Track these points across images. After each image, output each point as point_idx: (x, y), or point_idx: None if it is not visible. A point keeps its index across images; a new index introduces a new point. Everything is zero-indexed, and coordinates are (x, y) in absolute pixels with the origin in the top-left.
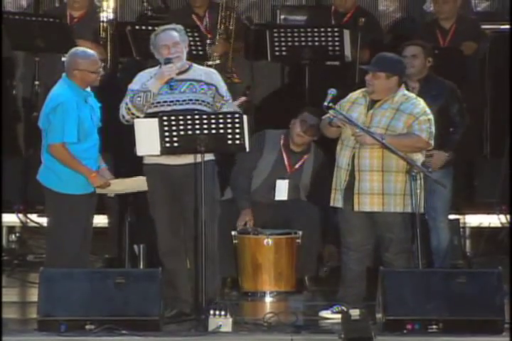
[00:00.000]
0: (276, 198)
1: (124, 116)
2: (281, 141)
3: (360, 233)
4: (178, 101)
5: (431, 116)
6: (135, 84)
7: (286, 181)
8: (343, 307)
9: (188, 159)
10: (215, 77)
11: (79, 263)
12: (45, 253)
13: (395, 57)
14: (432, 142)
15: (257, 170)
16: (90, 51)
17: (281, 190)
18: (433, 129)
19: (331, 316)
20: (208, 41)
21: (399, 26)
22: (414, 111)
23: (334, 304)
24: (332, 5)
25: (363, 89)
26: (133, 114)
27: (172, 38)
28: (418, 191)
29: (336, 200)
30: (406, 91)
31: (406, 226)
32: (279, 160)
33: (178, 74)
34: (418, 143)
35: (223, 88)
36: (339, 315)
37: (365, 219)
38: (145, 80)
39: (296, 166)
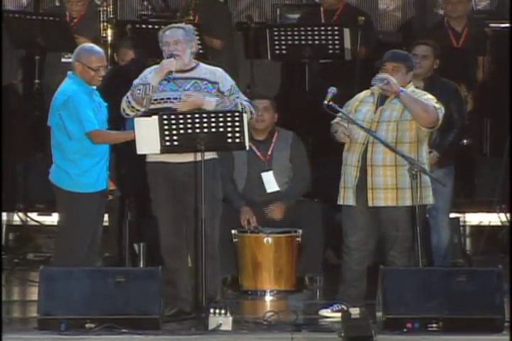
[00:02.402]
0: (269, 191)
1: (124, 110)
2: None
3: (363, 231)
4: (181, 98)
5: (440, 104)
6: (140, 79)
7: (271, 172)
8: (343, 306)
9: (190, 157)
10: (219, 74)
11: (87, 263)
12: (54, 253)
13: (409, 54)
14: (440, 119)
15: (236, 172)
16: (98, 48)
17: (270, 182)
18: (443, 110)
19: (330, 315)
20: None
21: (408, 26)
22: (422, 98)
23: (334, 302)
24: (320, 3)
25: (372, 88)
26: (133, 107)
27: (175, 35)
28: (420, 186)
29: (347, 198)
30: (415, 88)
31: (411, 224)
32: (250, 154)
33: (184, 72)
34: (429, 108)
35: (226, 85)
36: (339, 314)
37: (370, 217)
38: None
39: (269, 152)
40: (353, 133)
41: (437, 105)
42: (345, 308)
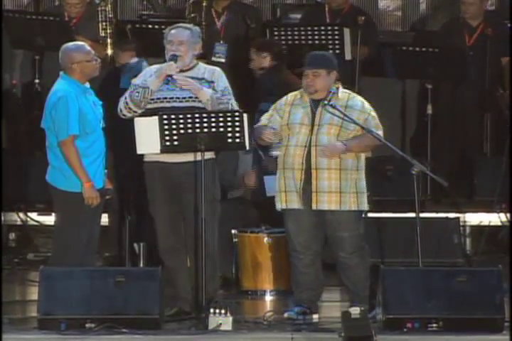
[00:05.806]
0: (268, 194)
1: (121, 110)
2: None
3: (308, 233)
4: (178, 98)
5: (374, 114)
6: (138, 79)
7: (275, 177)
8: (305, 309)
9: (188, 157)
10: (216, 74)
11: (84, 263)
12: (51, 252)
13: (328, 54)
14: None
15: (240, 174)
16: (80, 42)
17: (271, 186)
18: (379, 129)
19: (295, 317)
20: (221, 42)
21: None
22: (364, 107)
23: (297, 305)
24: (326, 3)
25: (299, 91)
26: (130, 108)
27: (179, 36)
28: (357, 191)
29: (290, 202)
30: (344, 89)
31: (358, 224)
32: (256, 156)
33: (182, 72)
34: (377, 141)
35: (221, 85)
36: (303, 316)
37: (315, 218)
38: (149, 75)
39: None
40: (292, 136)
41: (377, 121)
42: (308, 311)
